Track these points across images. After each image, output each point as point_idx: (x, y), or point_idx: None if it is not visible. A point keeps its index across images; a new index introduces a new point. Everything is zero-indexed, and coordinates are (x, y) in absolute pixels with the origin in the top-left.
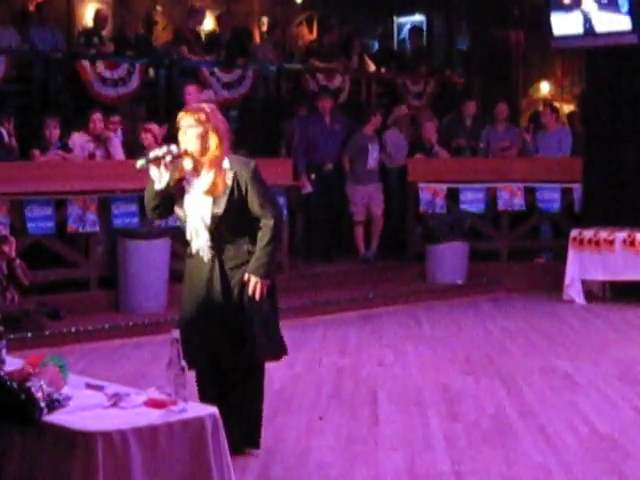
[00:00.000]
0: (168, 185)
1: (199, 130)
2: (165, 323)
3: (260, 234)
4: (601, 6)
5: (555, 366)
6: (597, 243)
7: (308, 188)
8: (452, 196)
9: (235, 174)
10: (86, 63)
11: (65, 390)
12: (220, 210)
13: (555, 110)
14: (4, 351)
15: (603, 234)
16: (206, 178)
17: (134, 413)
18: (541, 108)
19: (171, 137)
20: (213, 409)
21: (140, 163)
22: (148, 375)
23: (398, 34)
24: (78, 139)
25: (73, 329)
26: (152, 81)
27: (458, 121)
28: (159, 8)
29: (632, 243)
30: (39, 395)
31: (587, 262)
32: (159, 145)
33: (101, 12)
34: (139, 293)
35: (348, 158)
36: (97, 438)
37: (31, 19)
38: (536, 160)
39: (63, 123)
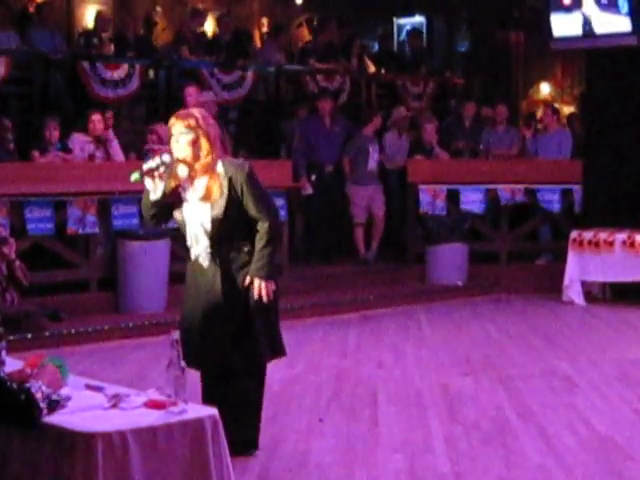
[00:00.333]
0: (164, 194)
1: (190, 137)
2: (165, 324)
3: (258, 236)
4: (601, 7)
5: (555, 367)
6: (597, 244)
7: (308, 189)
8: (452, 197)
9: (230, 178)
10: (86, 64)
11: (65, 391)
12: (219, 214)
13: (556, 112)
14: (4, 352)
15: (603, 235)
16: (201, 184)
17: (134, 414)
18: (542, 110)
19: None
20: (213, 410)
21: (134, 177)
22: (148, 376)
23: (398, 35)
24: (78, 140)
25: (73, 330)
26: (152, 82)
27: (457, 123)
28: (159, 9)
29: (632, 244)
30: (39, 396)
31: (587, 263)
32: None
33: (102, 14)
34: (139, 294)
35: (348, 159)
36: (97, 439)
37: (31, 20)
38: (536, 162)
39: (63, 124)
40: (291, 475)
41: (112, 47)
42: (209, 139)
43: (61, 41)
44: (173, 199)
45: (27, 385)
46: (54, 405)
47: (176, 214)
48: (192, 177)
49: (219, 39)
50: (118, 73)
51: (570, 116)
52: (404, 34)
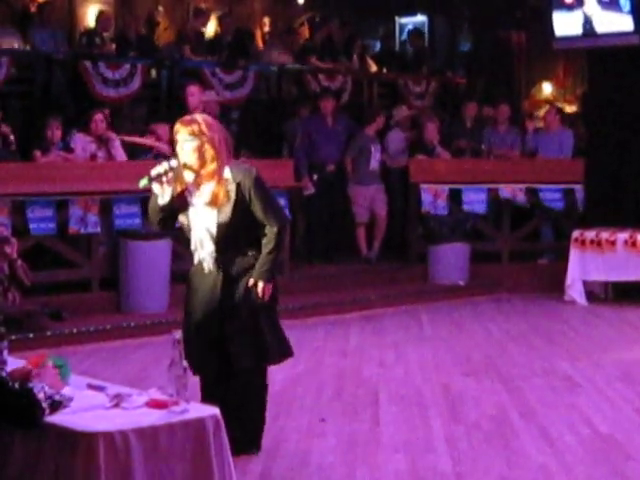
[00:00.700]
0: (172, 198)
1: (195, 143)
2: (167, 324)
3: (265, 240)
4: (603, 6)
5: (556, 367)
6: (599, 244)
7: (310, 189)
8: (454, 197)
9: (239, 184)
10: (88, 64)
11: (67, 391)
12: (226, 220)
13: (560, 111)
14: (6, 352)
15: (605, 235)
16: (207, 189)
17: (136, 414)
18: (544, 109)
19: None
20: (215, 410)
21: (143, 183)
22: (150, 376)
23: (400, 35)
24: (80, 140)
25: (75, 330)
26: (154, 82)
27: (459, 122)
28: (161, 9)
29: (634, 244)
30: (41, 396)
31: (589, 263)
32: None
33: (104, 13)
34: (141, 294)
35: (350, 159)
36: (99, 438)
37: (33, 20)
38: (538, 161)
39: (65, 124)
40: (292, 475)
41: (114, 47)
42: (214, 145)
43: (63, 40)
44: (179, 203)
45: (30, 385)
46: (57, 405)
47: (181, 218)
48: (198, 182)
49: (221, 39)
50: (120, 73)
51: (572, 115)
52: (406, 33)
